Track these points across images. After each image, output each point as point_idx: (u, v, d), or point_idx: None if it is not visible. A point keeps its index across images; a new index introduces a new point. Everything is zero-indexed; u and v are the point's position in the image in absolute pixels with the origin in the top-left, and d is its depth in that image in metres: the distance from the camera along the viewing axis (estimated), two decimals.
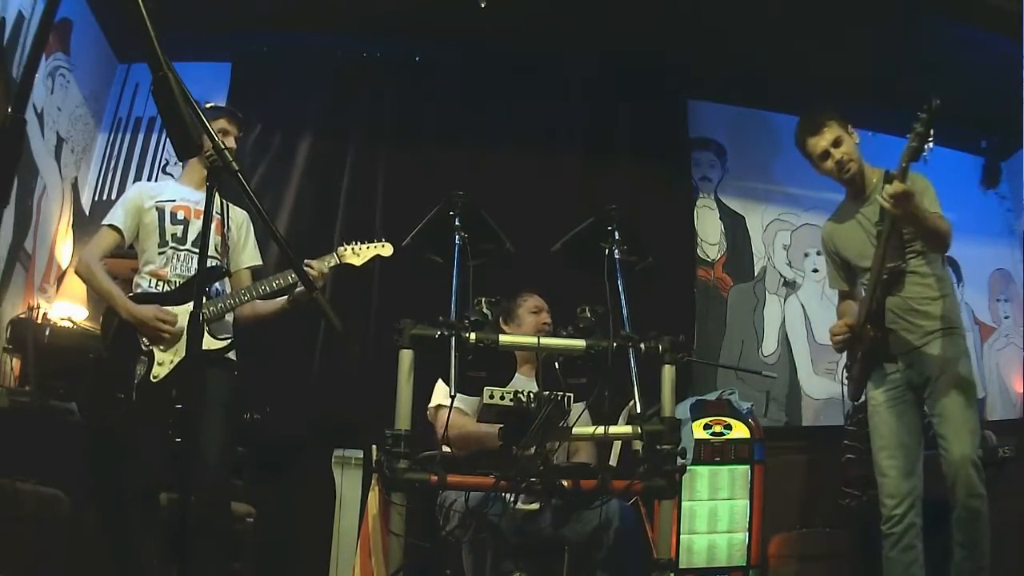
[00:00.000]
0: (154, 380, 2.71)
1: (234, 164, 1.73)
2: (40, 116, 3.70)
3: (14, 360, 3.45)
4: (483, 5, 4.09)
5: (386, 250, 3.15)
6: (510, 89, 4.67)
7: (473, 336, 2.30)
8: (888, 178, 2.61)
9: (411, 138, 4.52)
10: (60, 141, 3.94)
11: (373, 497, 2.97)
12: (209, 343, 2.80)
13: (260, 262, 3.17)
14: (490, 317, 2.41)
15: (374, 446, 2.94)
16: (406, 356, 2.32)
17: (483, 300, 2.44)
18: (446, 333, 2.26)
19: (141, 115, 4.48)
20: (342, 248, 3.09)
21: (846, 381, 3.07)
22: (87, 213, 4.30)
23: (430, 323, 2.31)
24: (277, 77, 4.48)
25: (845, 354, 3.10)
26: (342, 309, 3.54)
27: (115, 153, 4.44)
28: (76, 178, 4.19)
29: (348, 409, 3.99)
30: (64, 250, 4.06)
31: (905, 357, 2.86)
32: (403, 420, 2.29)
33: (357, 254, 3.10)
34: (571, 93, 4.77)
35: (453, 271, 2.48)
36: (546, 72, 4.71)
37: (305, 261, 2.90)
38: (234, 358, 2.90)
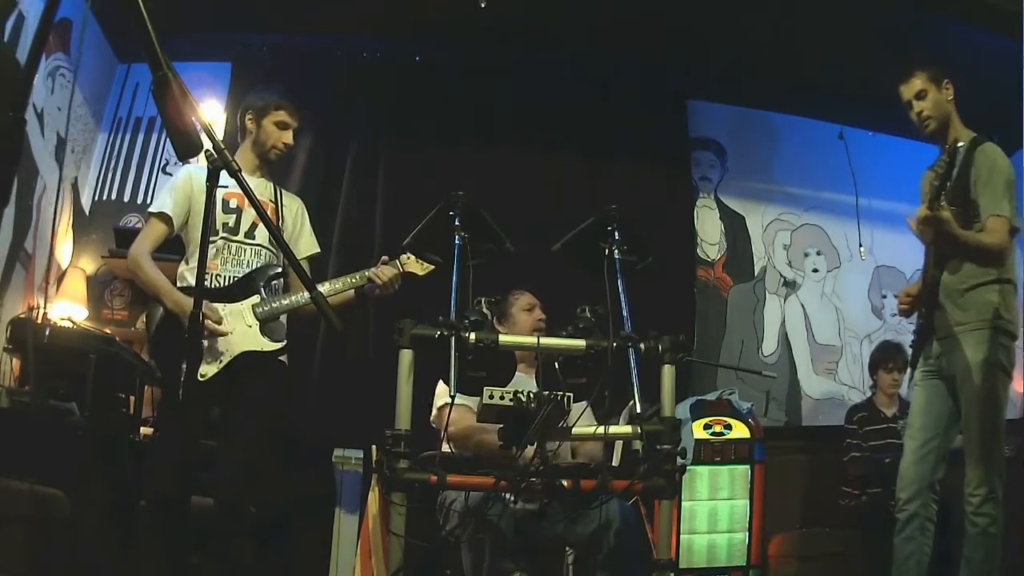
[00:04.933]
0: (201, 379, 2.57)
1: (234, 164, 1.72)
2: (40, 116, 3.70)
3: (14, 360, 3.45)
4: (483, 5, 4.10)
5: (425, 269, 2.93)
6: (510, 89, 4.67)
7: (473, 336, 2.30)
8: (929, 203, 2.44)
9: (411, 138, 4.53)
10: (60, 141, 3.94)
11: (373, 497, 2.97)
12: (261, 344, 2.68)
13: (318, 250, 3.05)
14: (490, 317, 2.41)
15: (374, 446, 2.94)
16: (406, 356, 2.32)
17: (483, 300, 2.43)
18: (446, 333, 2.26)
19: (141, 115, 4.48)
20: (404, 256, 2.89)
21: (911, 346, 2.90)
22: (87, 213, 4.31)
23: (430, 323, 2.30)
24: (277, 77, 4.48)
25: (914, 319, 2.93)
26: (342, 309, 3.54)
27: (115, 153, 4.45)
28: (76, 178, 4.19)
29: (348, 409, 3.99)
30: (64, 250, 4.06)
31: (940, 343, 2.72)
32: (403, 420, 2.28)
33: (420, 264, 2.90)
34: (571, 93, 4.77)
35: (453, 271, 2.48)
36: (546, 72, 4.71)
37: (385, 258, 2.83)
38: (286, 361, 2.79)
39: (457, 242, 2.54)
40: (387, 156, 4.48)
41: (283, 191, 2.99)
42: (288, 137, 2.89)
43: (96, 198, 4.37)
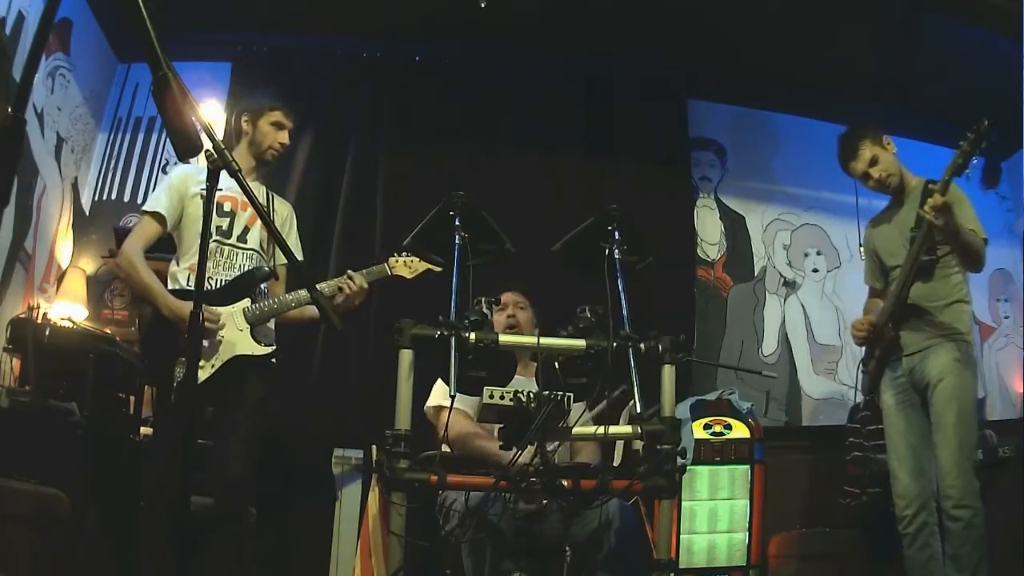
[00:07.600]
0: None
1: (234, 164, 1.72)
2: (40, 116, 3.70)
3: (14, 360, 3.45)
4: (483, 5, 4.10)
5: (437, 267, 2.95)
6: (510, 89, 4.67)
7: (473, 336, 2.30)
8: (930, 191, 2.73)
9: (411, 138, 4.53)
10: (60, 141, 3.94)
11: (373, 497, 2.97)
12: (252, 348, 2.71)
13: (301, 258, 3.04)
14: (490, 317, 2.41)
15: (374, 446, 2.93)
16: (406, 356, 2.31)
17: (483, 300, 2.43)
18: (446, 333, 2.25)
19: (141, 115, 4.49)
20: (393, 259, 2.97)
21: (862, 375, 3.19)
22: (87, 213, 4.31)
23: (430, 323, 2.30)
24: (277, 77, 4.48)
25: (863, 349, 3.20)
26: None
27: (115, 153, 4.45)
28: (76, 178, 4.19)
29: (348, 409, 3.99)
30: (64, 250, 4.06)
31: (910, 359, 2.94)
32: (403, 420, 2.28)
33: (408, 266, 2.97)
34: (571, 93, 4.77)
35: (453, 271, 2.48)
36: (546, 72, 4.71)
37: (348, 273, 2.84)
38: (275, 361, 2.80)
39: (457, 242, 2.53)
40: (387, 156, 4.48)
41: (275, 196, 2.99)
42: (284, 137, 2.91)
43: (96, 198, 4.37)
